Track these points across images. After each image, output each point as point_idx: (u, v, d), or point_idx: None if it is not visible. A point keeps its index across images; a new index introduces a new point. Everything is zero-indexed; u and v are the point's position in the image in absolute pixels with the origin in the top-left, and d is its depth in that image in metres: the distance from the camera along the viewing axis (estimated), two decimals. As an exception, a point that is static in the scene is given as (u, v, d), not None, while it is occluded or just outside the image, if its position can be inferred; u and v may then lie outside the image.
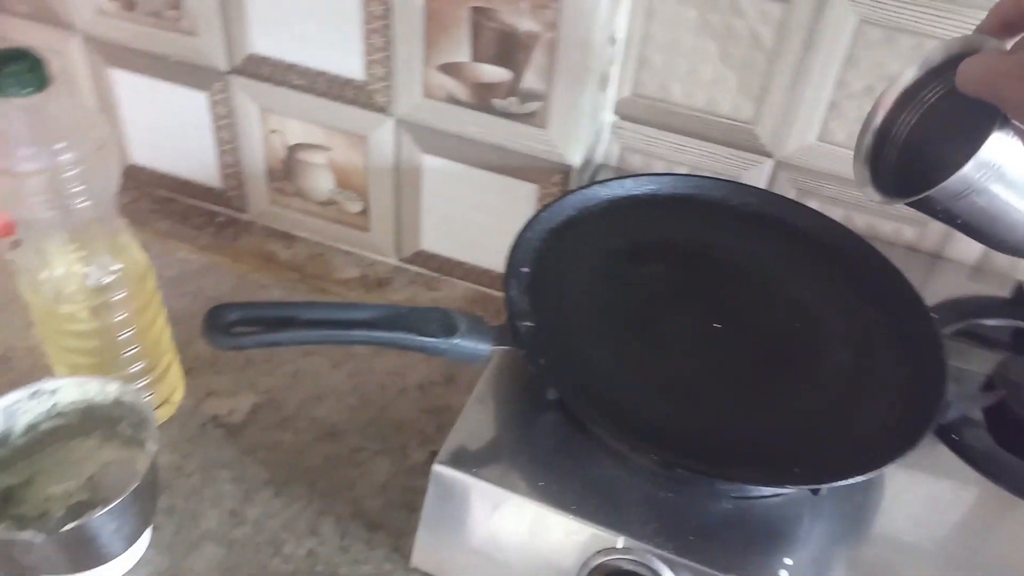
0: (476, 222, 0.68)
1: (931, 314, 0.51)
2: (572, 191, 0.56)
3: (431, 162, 0.66)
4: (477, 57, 0.59)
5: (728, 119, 0.62)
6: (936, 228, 0.62)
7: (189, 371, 0.61)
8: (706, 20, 0.58)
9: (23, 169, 0.46)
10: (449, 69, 0.61)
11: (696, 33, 0.59)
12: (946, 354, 0.48)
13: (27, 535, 0.43)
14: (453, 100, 0.62)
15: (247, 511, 0.53)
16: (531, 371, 0.47)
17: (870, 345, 0.50)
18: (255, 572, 0.51)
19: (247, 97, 0.68)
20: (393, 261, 0.74)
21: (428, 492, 0.46)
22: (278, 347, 0.43)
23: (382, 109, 0.64)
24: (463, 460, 0.45)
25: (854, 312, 0.52)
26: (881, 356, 0.50)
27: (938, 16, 0.53)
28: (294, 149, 0.70)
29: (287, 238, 0.75)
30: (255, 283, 0.70)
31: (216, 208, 0.77)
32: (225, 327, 0.41)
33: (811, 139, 0.60)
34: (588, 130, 0.61)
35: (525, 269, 0.51)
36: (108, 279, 0.50)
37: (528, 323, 0.48)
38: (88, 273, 0.50)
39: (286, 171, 0.72)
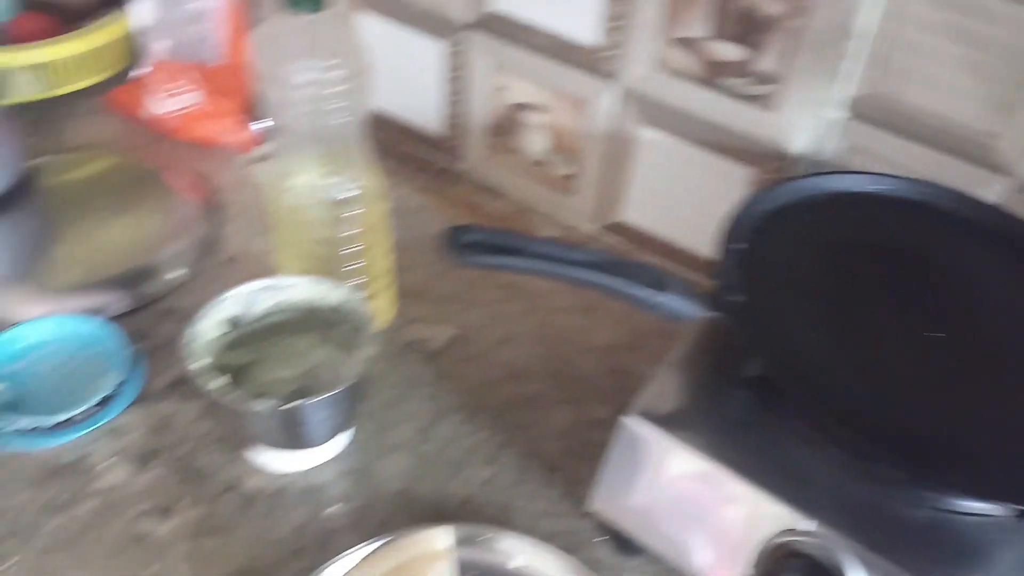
0: (682, 200, 0.68)
1: None
2: (795, 177, 0.55)
3: (648, 134, 0.67)
4: (716, 34, 0.60)
5: (966, 131, 0.59)
6: None
7: (400, 296, 0.64)
8: (957, 25, 0.56)
9: (297, 80, 0.50)
10: (685, 43, 0.61)
11: (945, 37, 0.56)
12: None
13: (257, 406, 0.47)
14: (683, 74, 0.62)
15: (436, 430, 0.56)
16: (736, 343, 0.47)
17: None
18: (434, 489, 0.53)
19: (482, 52, 0.71)
20: (590, 227, 0.75)
21: (615, 440, 0.46)
22: (505, 271, 0.44)
23: (609, 76, 0.66)
24: (655, 416, 0.46)
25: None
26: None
27: None
28: (516, 108, 0.73)
29: (493, 192, 0.78)
30: (462, 228, 0.73)
31: (434, 155, 0.81)
32: (462, 245, 0.44)
33: (1061, 162, 0.57)
34: (815, 121, 0.60)
35: (741, 245, 0.51)
36: (348, 194, 0.54)
37: (739, 297, 0.48)
38: (332, 186, 0.54)
39: (505, 128, 0.74)
